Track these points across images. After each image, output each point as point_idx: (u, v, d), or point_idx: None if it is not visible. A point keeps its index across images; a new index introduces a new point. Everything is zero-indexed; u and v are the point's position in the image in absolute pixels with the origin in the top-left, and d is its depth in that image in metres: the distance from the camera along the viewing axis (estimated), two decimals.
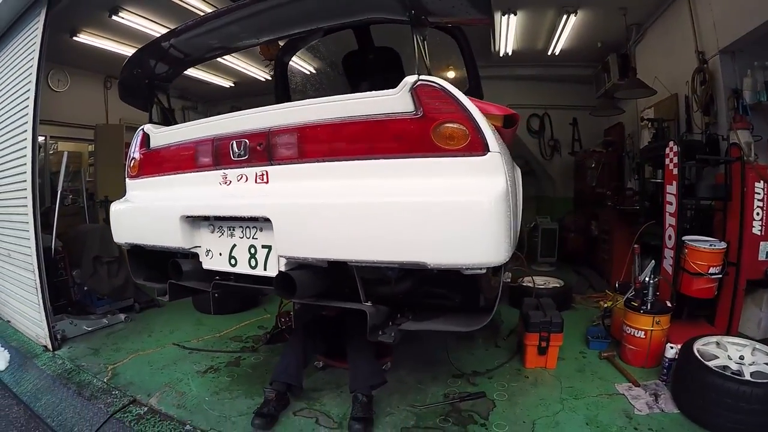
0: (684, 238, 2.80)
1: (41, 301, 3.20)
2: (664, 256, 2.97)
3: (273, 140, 1.68)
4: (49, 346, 3.21)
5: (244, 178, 1.78)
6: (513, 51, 5.12)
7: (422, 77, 1.46)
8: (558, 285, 3.98)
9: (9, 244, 3.55)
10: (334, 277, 1.67)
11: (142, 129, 2.22)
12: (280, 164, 1.68)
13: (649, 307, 2.61)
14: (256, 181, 1.74)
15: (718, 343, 2.33)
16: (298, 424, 2.21)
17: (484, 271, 1.37)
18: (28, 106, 3.21)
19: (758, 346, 2.25)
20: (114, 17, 4.07)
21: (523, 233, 3.87)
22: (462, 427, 2.13)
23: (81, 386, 2.74)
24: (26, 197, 3.22)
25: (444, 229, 1.32)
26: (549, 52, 5.09)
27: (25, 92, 3.25)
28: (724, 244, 2.70)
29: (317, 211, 1.50)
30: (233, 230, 1.81)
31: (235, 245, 1.81)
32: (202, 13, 3.85)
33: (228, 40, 2.04)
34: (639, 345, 2.63)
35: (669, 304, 2.66)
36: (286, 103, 1.74)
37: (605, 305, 3.17)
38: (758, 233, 2.77)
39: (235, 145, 1.78)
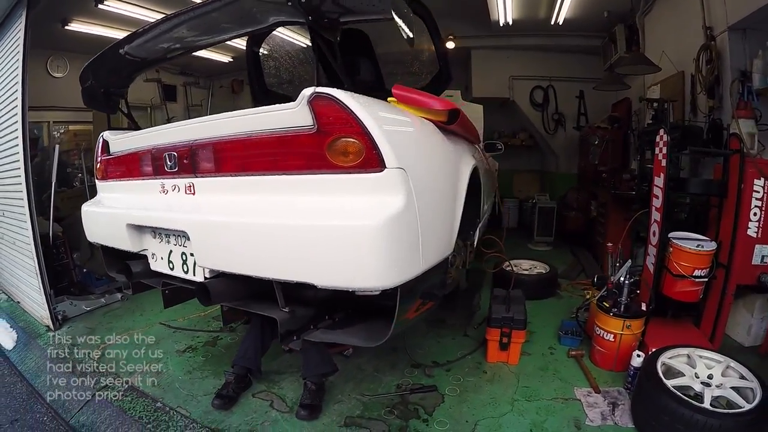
0: (671, 235, 2.58)
1: (41, 284, 3.46)
2: (647, 253, 2.78)
3: (195, 154, 1.71)
4: (51, 326, 3.49)
5: (176, 188, 1.84)
6: (513, 20, 4.82)
7: (318, 89, 1.39)
8: (543, 271, 3.90)
9: (11, 231, 3.82)
10: (257, 285, 1.73)
11: (102, 135, 2.30)
12: (202, 177, 1.72)
13: (621, 309, 2.52)
14: (185, 192, 1.80)
15: (689, 356, 2.21)
16: (254, 406, 2.36)
17: (377, 292, 1.37)
18: (17, 98, 3.36)
19: (733, 364, 2.10)
20: (100, 6, 4.20)
21: (504, 216, 3.77)
22: (404, 421, 2.18)
23: (75, 364, 3.00)
24: (21, 187, 3.43)
25: (328, 253, 1.31)
26: (552, 21, 4.76)
27: (14, 85, 3.39)
28: (713, 245, 2.49)
29: (220, 228, 1.55)
30: (169, 237, 1.89)
31: (171, 251, 1.89)
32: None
33: (158, 51, 2.03)
34: (608, 348, 2.55)
35: (645, 307, 2.55)
36: (203, 117, 1.77)
37: (587, 297, 3.10)
38: (754, 235, 2.52)
39: (167, 156, 1.83)
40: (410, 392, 2.40)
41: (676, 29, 3.68)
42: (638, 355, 2.32)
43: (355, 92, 1.43)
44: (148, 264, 2.07)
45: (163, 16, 1.77)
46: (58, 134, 5.67)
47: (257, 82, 3.11)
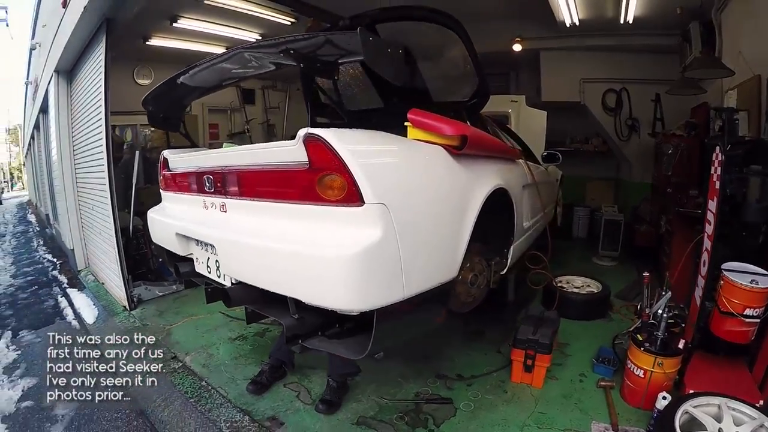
0: (724, 266, 2.36)
1: (121, 270, 4.15)
2: (696, 284, 2.59)
3: (225, 178, 2.04)
4: (127, 307, 4.17)
5: (214, 205, 2.19)
6: (580, 20, 4.61)
7: (310, 130, 1.58)
8: (594, 290, 3.75)
9: (99, 223, 4.59)
10: (271, 293, 1.97)
11: (163, 153, 2.72)
12: (231, 198, 2.04)
13: (656, 345, 2.40)
14: (219, 210, 2.14)
15: (719, 407, 2.05)
16: (282, 395, 2.70)
17: (356, 312, 1.54)
18: (100, 108, 4.08)
19: None
20: (174, 24, 4.88)
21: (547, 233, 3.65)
22: (411, 429, 2.34)
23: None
24: (105, 185, 4.13)
25: (312, 276, 1.52)
26: (621, 20, 4.47)
27: (98, 96, 4.11)
28: None
29: (235, 245, 1.87)
30: (206, 247, 2.23)
31: (209, 258, 2.25)
32: (238, 9, 4.63)
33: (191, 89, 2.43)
34: (637, 384, 2.45)
35: (682, 345, 2.39)
36: (230, 148, 2.11)
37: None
38: None
39: (206, 178, 2.18)
40: (426, 401, 2.54)
41: (753, 26, 3.32)
42: (663, 398, 2.20)
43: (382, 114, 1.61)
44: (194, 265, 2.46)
45: (191, 66, 2.15)
46: (145, 135, 6.51)
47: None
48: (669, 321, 2.45)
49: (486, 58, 6.10)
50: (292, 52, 1.59)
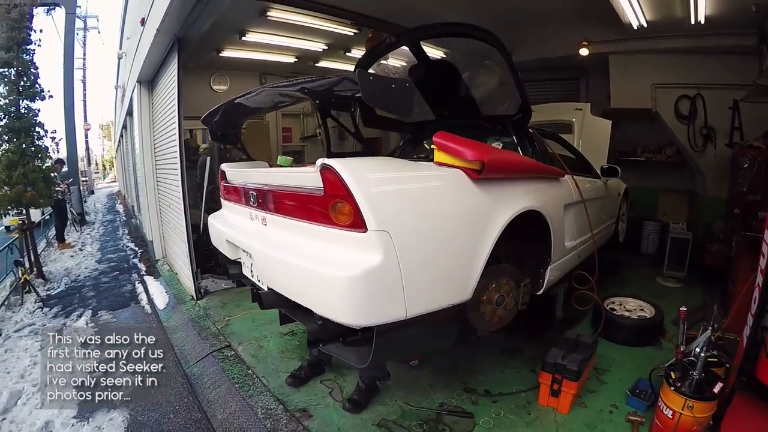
0: None
1: (190, 263, 4.71)
2: (746, 323, 2.44)
3: (265, 195, 2.35)
4: (194, 297, 4.73)
5: (257, 218, 2.52)
6: (648, 21, 4.42)
7: (325, 161, 1.81)
8: (646, 314, 3.61)
9: (174, 219, 5.22)
10: None
11: (221, 166, 3.10)
12: (270, 213, 2.35)
13: (690, 386, 2.30)
14: (261, 223, 2.47)
15: None
16: (316, 390, 3.00)
17: (357, 327, 1.76)
18: (174, 115, 4.66)
19: None
20: (243, 38, 5.43)
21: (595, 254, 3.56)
22: None
23: (202, 329, 4.11)
24: (178, 186, 4.71)
25: (321, 291, 1.78)
26: (692, 20, 4.22)
27: (172, 109, 4.70)
28: None
29: (265, 256, 2.19)
30: (248, 254, 2.57)
31: (252, 263, 2.57)
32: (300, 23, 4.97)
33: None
34: (664, 424, 2.38)
35: (718, 390, 2.29)
36: (268, 169, 2.43)
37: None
38: None
39: (251, 193, 2.53)
40: (447, 413, 2.67)
41: None
42: None
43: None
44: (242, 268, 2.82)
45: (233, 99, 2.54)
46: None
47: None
48: (710, 359, 2.36)
49: (553, 63, 6.12)
50: (306, 91, 1.83)
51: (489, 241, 2.11)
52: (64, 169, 9.92)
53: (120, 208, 14.70)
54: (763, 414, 2.25)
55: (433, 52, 5.37)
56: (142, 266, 6.74)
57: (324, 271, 1.76)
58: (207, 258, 5.18)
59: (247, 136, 7.02)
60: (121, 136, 12.79)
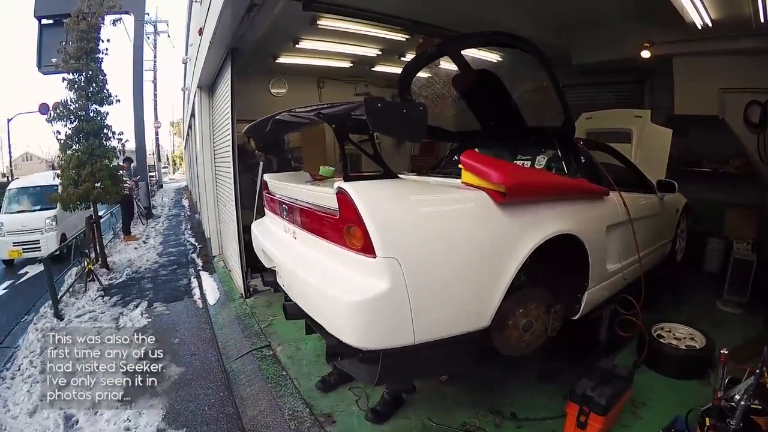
0: None
1: (240, 263, 4.96)
2: None
3: (294, 210, 2.46)
4: (243, 295, 4.99)
5: (290, 231, 2.63)
6: (713, 20, 4.07)
7: (340, 184, 1.84)
8: (695, 345, 3.34)
9: (227, 220, 5.53)
10: None
11: (264, 176, 3.26)
12: (299, 228, 2.45)
13: None
14: (292, 236, 2.58)
15: None
16: (344, 397, 3.07)
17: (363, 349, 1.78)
18: (228, 121, 4.94)
19: None
20: (297, 45, 5.68)
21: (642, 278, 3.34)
22: None
23: (246, 327, 4.33)
24: (231, 189, 4.97)
25: (331, 311, 1.84)
26: (762, 18, 3.82)
27: (227, 115, 4.97)
28: None
29: (286, 269, 2.32)
30: (278, 264, 2.69)
31: (280, 274, 2.68)
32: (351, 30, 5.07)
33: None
34: None
35: None
36: (297, 185, 2.47)
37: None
38: None
39: (285, 207, 2.64)
40: None
41: None
42: None
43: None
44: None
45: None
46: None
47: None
48: (753, 407, 2.16)
49: (613, 66, 5.80)
50: (321, 116, 1.88)
51: (512, 267, 2.06)
52: (133, 164, 10.79)
53: (185, 203, 15.70)
54: None
55: (489, 56, 5.38)
56: (199, 261, 7.19)
57: (334, 292, 1.82)
58: (257, 258, 5.44)
59: (302, 141, 7.39)
60: (188, 135, 13.66)
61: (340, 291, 1.80)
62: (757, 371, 2.27)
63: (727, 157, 5.58)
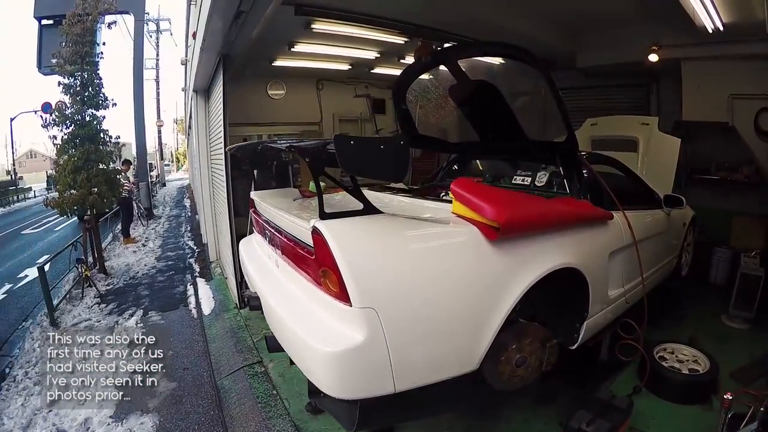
0: None
1: (235, 274, 4.89)
2: None
3: (275, 237, 2.35)
4: (238, 305, 4.92)
5: (272, 258, 2.53)
6: (725, 24, 3.91)
7: (316, 223, 1.70)
8: (698, 368, 3.20)
9: (224, 225, 5.43)
10: None
11: (251, 194, 3.15)
12: (280, 257, 2.33)
13: None
14: (275, 264, 2.47)
15: None
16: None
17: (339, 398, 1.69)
18: (220, 125, 4.84)
19: None
20: (292, 48, 5.59)
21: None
22: None
23: (239, 341, 4.26)
24: (224, 192, 4.86)
25: (304, 356, 1.76)
26: None
27: (219, 120, 4.88)
28: None
29: (266, 303, 2.22)
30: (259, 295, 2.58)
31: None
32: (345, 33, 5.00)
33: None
34: None
35: None
36: (278, 211, 2.31)
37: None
38: None
39: (267, 231, 2.54)
40: None
41: None
42: None
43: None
44: None
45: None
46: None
47: (408, 131, 3.61)
48: None
49: (620, 69, 5.67)
50: (294, 149, 1.78)
51: (504, 308, 1.94)
52: (133, 166, 10.75)
53: (187, 202, 15.65)
54: None
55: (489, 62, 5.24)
56: (196, 267, 7.14)
57: (308, 339, 1.72)
58: None
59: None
60: (188, 135, 13.62)
61: (315, 339, 1.70)
62: (762, 408, 2.16)
63: (737, 165, 5.41)
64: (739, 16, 3.88)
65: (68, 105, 6.34)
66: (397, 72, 6.87)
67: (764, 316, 4.10)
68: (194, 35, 5.10)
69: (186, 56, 8.71)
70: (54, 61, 6.56)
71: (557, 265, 2.16)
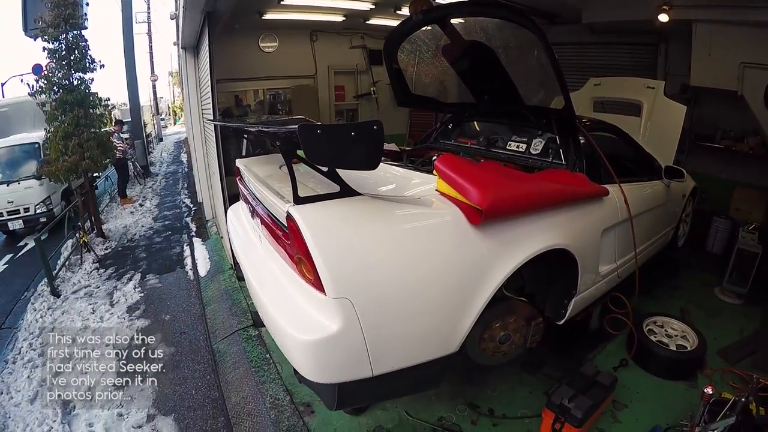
0: None
1: (228, 234, 4.81)
2: None
3: (259, 212, 2.27)
4: (233, 266, 4.91)
5: (257, 233, 2.45)
6: None
7: (291, 209, 1.62)
8: (686, 345, 3.20)
9: (216, 184, 5.33)
10: None
11: (236, 162, 2.96)
12: (264, 233, 2.25)
13: None
14: (259, 240, 2.41)
15: None
16: None
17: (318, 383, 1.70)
18: (207, 83, 4.68)
19: None
20: (281, 2, 5.41)
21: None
22: None
23: (234, 303, 4.32)
24: (214, 150, 4.79)
25: (284, 342, 1.75)
26: None
27: (206, 78, 4.72)
28: None
29: (252, 283, 2.17)
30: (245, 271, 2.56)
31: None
32: None
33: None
34: None
35: None
36: (262, 186, 2.18)
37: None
38: None
39: (251, 204, 2.46)
40: (442, 429, 2.61)
41: None
42: None
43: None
44: None
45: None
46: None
47: (401, 91, 3.54)
48: None
49: (627, 27, 5.34)
50: (263, 134, 1.68)
51: (487, 291, 1.90)
52: (126, 125, 10.51)
53: (184, 157, 15.40)
54: None
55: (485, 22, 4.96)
56: (193, 226, 7.13)
57: (286, 325, 1.71)
58: None
59: (293, 95, 7.22)
60: (182, 89, 13.23)
61: (292, 325, 1.68)
62: (743, 399, 2.17)
63: (742, 135, 5.24)
64: None
65: (56, 69, 6.09)
66: (394, 23, 6.62)
67: (758, 292, 4.09)
68: None
69: (175, 10, 8.30)
70: (37, 25, 6.25)
71: (546, 247, 2.11)
